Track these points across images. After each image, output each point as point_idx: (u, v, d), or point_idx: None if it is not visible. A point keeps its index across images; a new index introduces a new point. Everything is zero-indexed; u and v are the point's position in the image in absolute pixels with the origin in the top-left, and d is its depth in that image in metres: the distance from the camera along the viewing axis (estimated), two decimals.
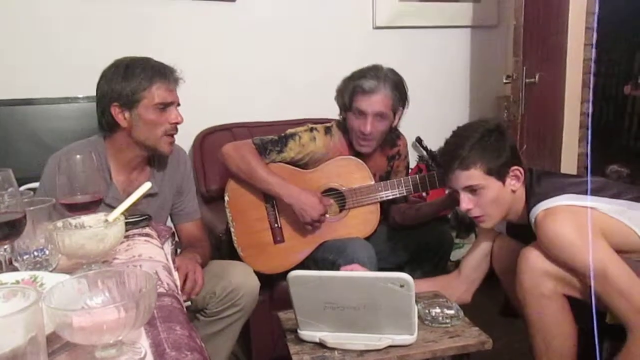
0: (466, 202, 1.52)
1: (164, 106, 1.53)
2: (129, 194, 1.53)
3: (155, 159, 1.65)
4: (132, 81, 1.49)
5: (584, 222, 1.35)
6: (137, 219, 1.28)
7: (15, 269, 1.01)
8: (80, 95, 2.17)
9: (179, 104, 1.59)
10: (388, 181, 1.94)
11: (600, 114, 4.20)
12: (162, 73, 1.53)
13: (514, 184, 1.52)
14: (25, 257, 1.03)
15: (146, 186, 1.06)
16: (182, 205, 1.74)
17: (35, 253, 1.04)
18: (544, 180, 1.52)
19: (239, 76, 2.58)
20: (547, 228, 1.39)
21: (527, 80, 2.37)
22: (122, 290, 0.75)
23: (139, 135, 1.54)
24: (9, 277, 0.90)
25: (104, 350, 0.70)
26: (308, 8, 2.66)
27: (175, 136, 1.60)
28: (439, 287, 1.65)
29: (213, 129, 2.48)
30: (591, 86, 2.81)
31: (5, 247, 0.97)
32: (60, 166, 1.15)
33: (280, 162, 1.90)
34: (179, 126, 2.28)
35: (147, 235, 1.24)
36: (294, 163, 1.92)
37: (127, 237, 1.18)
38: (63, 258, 1.07)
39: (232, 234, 1.89)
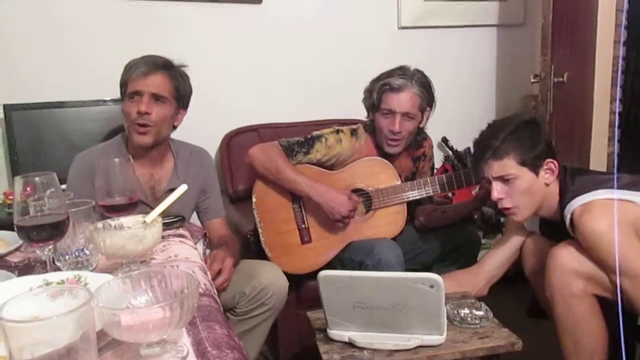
0: (498, 191, 1.51)
1: (134, 95, 1.57)
2: (150, 187, 1.62)
3: (177, 155, 1.71)
4: (121, 76, 1.62)
5: (621, 217, 1.33)
6: (171, 220, 1.31)
7: (58, 269, 1.05)
8: (108, 98, 2.23)
9: (157, 94, 1.58)
10: (414, 181, 1.95)
11: (629, 113, 4.12)
12: (133, 64, 1.59)
13: (548, 177, 1.51)
14: (67, 257, 1.07)
15: (182, 188, 1.09)
16: (207, 203, 1.79)
17: (76, 253, 1.08)
18: (578, 177, 1.50)
19: (265, 77, 2.60)
20: (585, 225, 1.38)
21: (555, 80, 2.33)
22: (164, 290, 0.77)
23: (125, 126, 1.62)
24: (54, 276, 0.93)
25: (148, 348, 0.73)
26: (334, 9, 2.67)
27: (147, 128, 1.57)
28: (458, 281, 1.65)
29: (240, 130, 2.51)
30: (619, 84, 2.76)
31: (50, 247, 1.01)
32: (98, 168, 1.19)
33: (306, 163, 1.92)
34: (206, 127, 2.38)
35: (181, 236, 1.28)
36: (320, 164, 1.94)
37: (162, 237, 1.21)
38: (102, 258, 1.11)
39: (260, 234, 1.91)
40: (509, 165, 1.48)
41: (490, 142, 1.50)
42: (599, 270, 1.39)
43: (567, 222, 1.45)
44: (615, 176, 1.45)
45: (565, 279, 1.41)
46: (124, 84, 1.61)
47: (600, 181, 1.46)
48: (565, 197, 1.48)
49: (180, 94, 1.66)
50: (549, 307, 1.50)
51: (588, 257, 1.40)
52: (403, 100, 1.85)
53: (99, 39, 2.34)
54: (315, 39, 2.66)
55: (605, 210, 1.37)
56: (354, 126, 2.00)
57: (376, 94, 1.89)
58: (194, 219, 1.81)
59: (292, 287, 1.77)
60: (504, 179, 1.50)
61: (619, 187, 1.41)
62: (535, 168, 1.49)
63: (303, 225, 1.92)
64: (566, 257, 1.42)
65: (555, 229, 1.54)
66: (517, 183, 1.49)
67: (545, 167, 1.50)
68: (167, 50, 1.69)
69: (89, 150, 1.66)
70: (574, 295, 1.42)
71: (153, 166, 1.67)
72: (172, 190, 1.59)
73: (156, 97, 1.59)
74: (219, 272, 1.50)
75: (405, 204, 1.94)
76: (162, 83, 1.61)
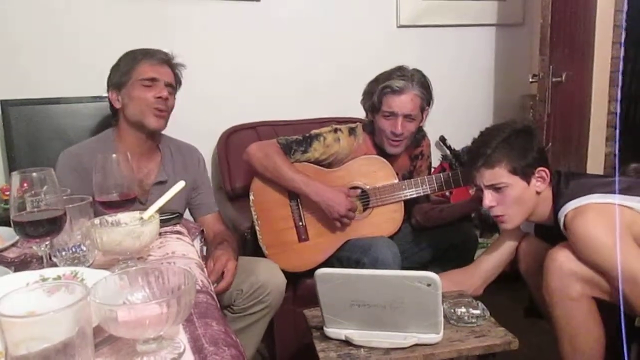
0: (489, 199, 1.52)
1: (149, 82, 1.60)
2: (138, 181, 1.62)
3: (165, 148, 1.73)
4: (122, 65, 1.64)
5: (614, 221, 1.34)
6: (169, 217, 1.31)
7: (54, 265, 1.05)
8: (105, 95, 2.23)
9: (170, 84, 1.65)
10: (412, 179, 1.95)
11: (627, 113, 4.13)
12: (147, 53, 1.64)
13: (539, 186, 1.52)
14: (63, 253, 1.07)
15: (180, 185, 1.08)
16: (199, 199, 1.80)
17: (73, 249, 1.08)
18: (572, 181, 1.51)
19: (263, 75, 2.60)
20: (577, 228, 1.38)
21: (553, 79, 2.33)
22: (162, 286, 0.77)
23: (129, 113, 1.62)
24: (51, 272, 0.93)
25: (145, 344, 0.73)
26: (333, 7, 2.66)
27: (164, 113, 1.63)
28: (454, 281, 1.65)
29: (238, 127, 2.51)
30: (618, 85, 2.76)
31: (46, 243, 1.01)
32: (95, 164, 1.18)
33: (304, 161, 1.91)
34: (204, 125, 2.38)
35: (178, 232, 1.27)
36: (317, 163, 1.94)
37: (159, 234, 1.20)
38: (99, 254, 1.11)
39: (257, 232, 1.91)
40: (500, 173, 1.49)
41: (482, 150, 1.51)
42: (597, 272, 1.39)
43: (561, 225, 1.45)
44: (616, 179, 1.46)
45: (564, 282, 1.41)
46: (130, 71, 1.62)
47: (595, 185, 1.46)
48: (559, 201, 1.48)
49: (178, 88, 1.72)
50: (547, 309, 1.50)
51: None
52: (404, 102, 1.85)
53: (97, 35, 2.33)
54: (314, 36, 2.65)
55: (598, 213, 1.38)
56: (352, 125, 2.00)
57: (376, 96, 1.88)
58: (187, 215, 1.81)
59: (289, 285, 1.77)
60: (495, 187, 1.51)
61: (612, 192, 1.41)
62: (526, 176, 1.50)
63: (300, 223, 1.92)
64: (564, 259, 1.42)
65: (550, 231, 1.55)
66: (508, 191, 1.50)
67: (536, 175, 1.51)
68: (165, 47, 1.70)
69: (76, 145, 1.65)
70: (573, 298, 1.42)
71: (143, 160, 1.67)
72: (160, 183, 1.62)
73: (168, 87, 1.64)
74: (222, 275, 1.50)
75: (403, 203, 1.94)
76: (171, 74, 1.68)
